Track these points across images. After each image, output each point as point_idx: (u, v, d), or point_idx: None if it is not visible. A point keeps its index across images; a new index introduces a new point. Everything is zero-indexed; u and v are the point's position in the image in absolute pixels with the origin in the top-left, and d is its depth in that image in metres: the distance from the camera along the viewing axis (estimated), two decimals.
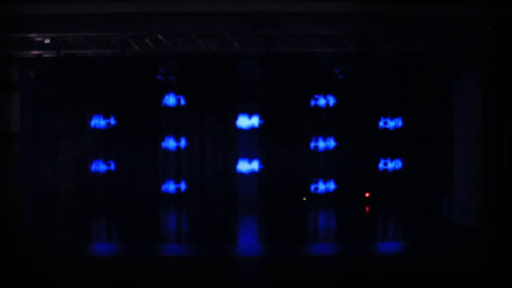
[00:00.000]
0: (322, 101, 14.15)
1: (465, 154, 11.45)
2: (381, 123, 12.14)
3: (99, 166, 11.70)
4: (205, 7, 9.67)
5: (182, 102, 14.09)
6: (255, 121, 14.71)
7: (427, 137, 12.24)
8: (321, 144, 14.00)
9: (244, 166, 14.74)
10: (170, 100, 14.16)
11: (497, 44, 10.37)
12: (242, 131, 14.73)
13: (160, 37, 10.57)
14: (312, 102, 13.37)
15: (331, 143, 14.11)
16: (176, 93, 14.07)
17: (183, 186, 14.33)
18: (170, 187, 14.33)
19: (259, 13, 9.77)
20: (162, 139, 12.77)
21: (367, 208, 11.37)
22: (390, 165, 11.74)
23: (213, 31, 10.54)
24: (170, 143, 14.16)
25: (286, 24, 10.40)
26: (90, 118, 12.70)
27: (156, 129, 12.31)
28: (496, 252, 9.19)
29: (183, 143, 13.34)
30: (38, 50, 10.63)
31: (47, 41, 10.42)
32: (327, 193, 14.10)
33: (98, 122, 11.59)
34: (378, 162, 12.17)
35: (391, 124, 11.84)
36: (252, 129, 14.75)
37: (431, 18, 10.01)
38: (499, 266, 8.44)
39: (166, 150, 13.96)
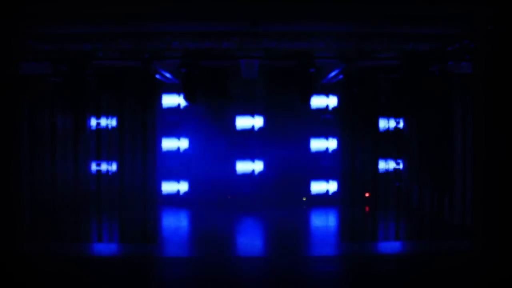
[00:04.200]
0: (322, 101, 14.17)
1: (465, 154, 11.39)
2: (381, 124, 12.11)
3: (99, 166, 11.68)
4: (205, 6, 9.65)
5: (182, 102, 14.11)
6: (256, 121, 14.71)
7: (428, 138, 12.19)
8: (322, 144, 14.01)
9: (246, 166, 14.73)
10: (170, 100, 14.19)
11: (499, 43, 10.32)
12: (244, 131, 14.73)
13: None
14: (313, 102, 13.35)
15: (334, 143, 14.12)
16: (176, 93, 14.12)
17: (185, 186, 14.32)
18: (171, 187, 14.34)
19: (259, 13, 9.74)
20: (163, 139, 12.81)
21: (367, 208, 11.36)
22: (391, 166, 11.71)
23: (213, 31, 10.52)
24: (170, 144, 14.18)
25: (286, 23, 10.38)
26: (90, 118, 12.72)
27: (156, 130, 12.31)
28: (496, 252, 9.16)
29: (184, 143, 13.34)
30: (38, 51, 10.65)
31: (47, 42, 10.43)
32: (328, 193, 14.12)
33: (98, 122, 11.58)
34: (379, 162, 12.14)
35: (392, 124, 11.80)
36: (253, 130, 14.76)
37: (432, 17, 9.98)
38: (498, 266, 8.42)
39: (167, 151, 13.98)
